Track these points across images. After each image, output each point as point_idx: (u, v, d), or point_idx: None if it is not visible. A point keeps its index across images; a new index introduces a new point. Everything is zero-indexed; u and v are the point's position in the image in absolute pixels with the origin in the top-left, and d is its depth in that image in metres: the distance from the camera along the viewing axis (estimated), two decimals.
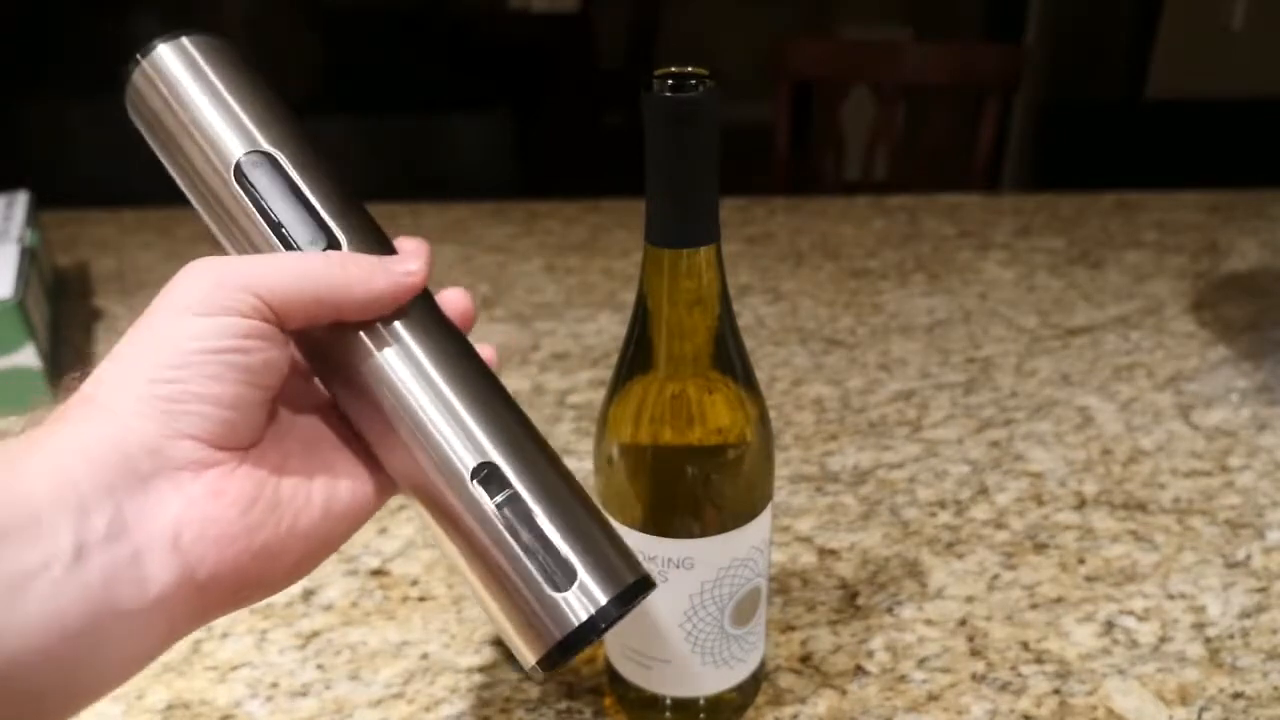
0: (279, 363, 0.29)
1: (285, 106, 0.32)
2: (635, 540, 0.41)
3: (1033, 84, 2.31)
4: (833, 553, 0.58)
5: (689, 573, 0.41)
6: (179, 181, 0.32)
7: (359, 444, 0.32)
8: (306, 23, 2.43)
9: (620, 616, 0.29)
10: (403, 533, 0.59)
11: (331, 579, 0.56)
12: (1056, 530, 0.60)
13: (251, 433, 0.28)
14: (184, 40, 0.31)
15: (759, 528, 0.42)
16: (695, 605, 0.41)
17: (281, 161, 0.30)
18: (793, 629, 0.52)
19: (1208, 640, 0.51)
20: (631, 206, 1.12)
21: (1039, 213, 1.09)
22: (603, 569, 0.29)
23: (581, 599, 0.29)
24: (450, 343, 0.31)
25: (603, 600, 0.29)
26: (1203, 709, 0.47)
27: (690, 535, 0.40)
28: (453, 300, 0.34)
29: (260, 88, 0.31)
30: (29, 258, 0.77)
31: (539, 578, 0.29)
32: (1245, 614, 0.53)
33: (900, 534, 0.59)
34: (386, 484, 0.32)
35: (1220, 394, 0.74)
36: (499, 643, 0.51)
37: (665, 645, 0.43)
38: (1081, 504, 0.62)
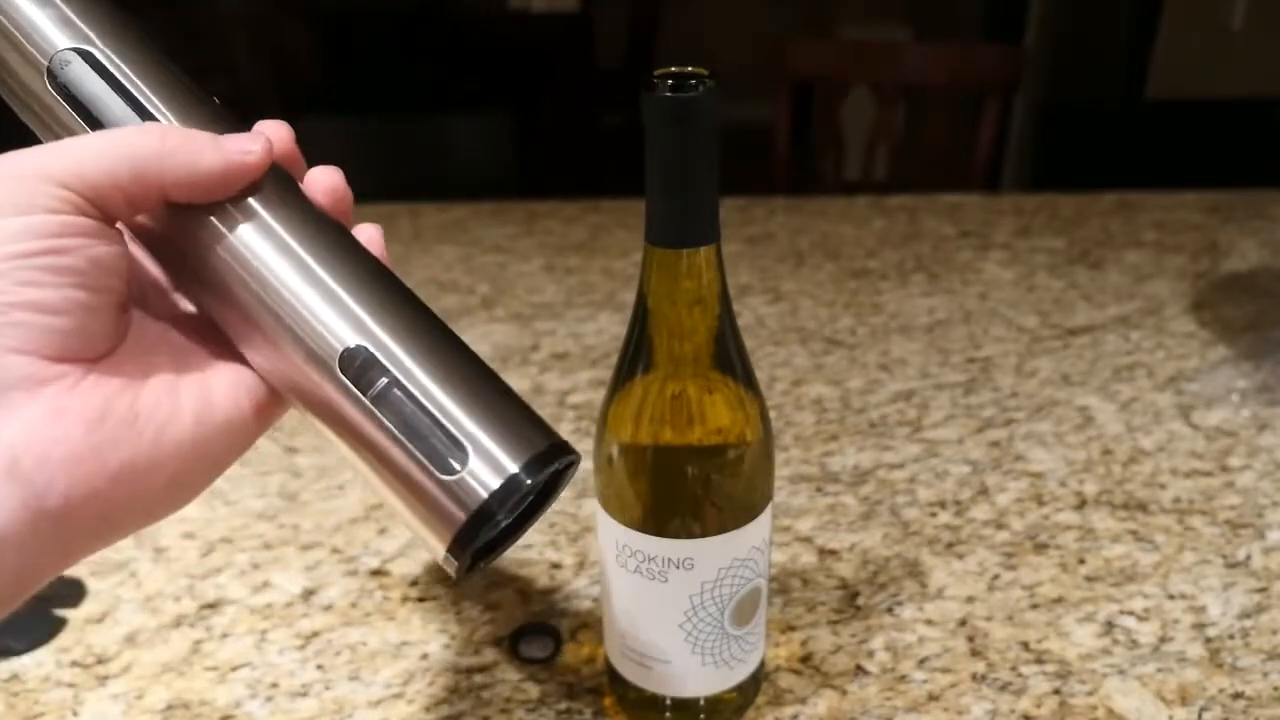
0: (110, 259, 0.26)
1: (118, 6, 0.29)
2: (635, 540, 0.41)
3: (1033, 84, 2.32)
4: (833, 553, 0.58)
5: (689, 573, 0.41)
6: (3, 93, 0.29)
7: (235, 352, 0.29)
8: (306, 23, 2.44)
9: (535, 491, 0.27)
10: (403, 533, 0.59)
11: (331, 579, 0.56)
12: (1057, 530, 0.60)
13: (95, 341, 0.26)
14: None
15: (759, 528, 0.42)
16: (695, 605, 0.41)
17: (101, 56, 0.28)
18: (793, 629, 0.52)
19: (1208, 640, 0.51)
20: (631, 206, 1.12)
21: (1039, 213, 1.09)
22: (508, 439, 0.27)
23: (485, 471, 0.26)
24: (310, 221, 0.28)
25: (511, 469, 0.26)
26: (1203, 709, 0.47)
27: (690, 535, 0.40)
28: (320, 179, 0.30)
29: None
30: None
31: (429, 462, 0.26)
32: (1245, 614, 0.53)
33: (900, 534, 0.59)
34: (267, 396, 0.29)
35: (1220, 394, 0.74)
36: (499, 643, 0.51)
37: (665, 645, 0.43)
38: (1082, 504, 0.62)
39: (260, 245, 0.27)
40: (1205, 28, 2.14)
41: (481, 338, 0.81)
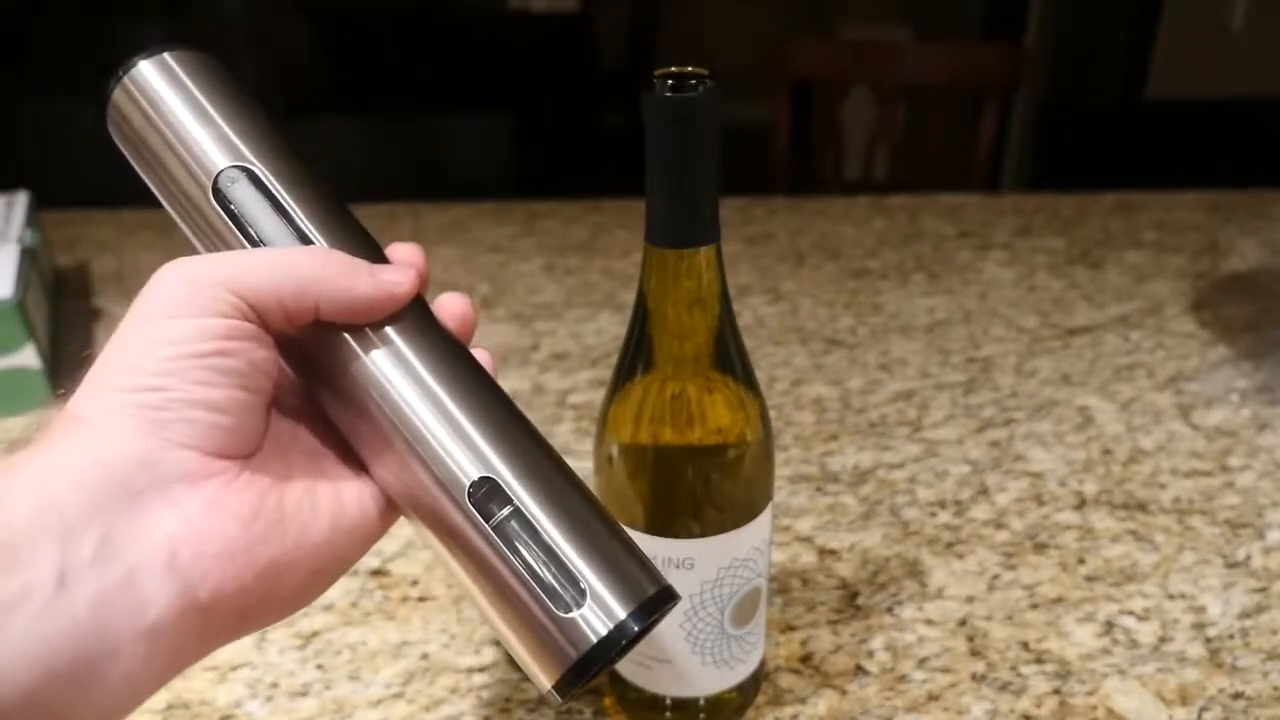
0: (266, 363, 0.27)
1: (268, 120, 0.31)
2: (635, 540, 0.41)
3: (1033, 84, 2.31)
4: (833, 553, 0.58)
5: (689, 573, 0.41)
6: (161, 198, 0.31)
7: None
8: (306, 23, 2.43)
9: (643, 633, 0.28)
10: (403, 533, 0.59)
11: None
12: (1056, 530, 0.60)
13: (249, 439, 0.27)
14: (166, 56, 0.30)
15: (759, 528, 0.42)
16: (695, 605, 0.41)
17: (263, 174, 0.30)
18: (793, 629, 0.52)
19: (1208, 640, 0.51)
20: (631, 206, 1.12)
21: (1039, 213, 1.09)
22: (619, 583, 0.27)
23: (598, 615, 0.27)
24: (444, 350, 0.30)
25: (621, 615, 0.27)
26: (1203, 709, 0.47)
27: (690, 535, 0.40)
28: (450, 305, 0.32)
29: (243, 102, 0.31)
30: (29, 258, 0.77)
31: (546, 597, 0.27)
32: (1245, 614, 0.53)
33: (900, 534, 0.59)
34: (391, 503, 0.30)
35: (1220, 394, 0.74)
36: (499, 642, 0.51)
37: (665, 645, 0.43)
38: (1081, 504, 0.62)
39: (395, 372, 0.28)
40: (1205, 28, 2.14)
41: (482, 338, 0.81)
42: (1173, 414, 0.71)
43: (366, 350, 0.29)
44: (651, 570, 0.29)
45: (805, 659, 0.51)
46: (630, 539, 0.29)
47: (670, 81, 0.33)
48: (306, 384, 0.30)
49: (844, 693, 0.49)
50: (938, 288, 0.92)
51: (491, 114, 2.48)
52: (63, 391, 0.26)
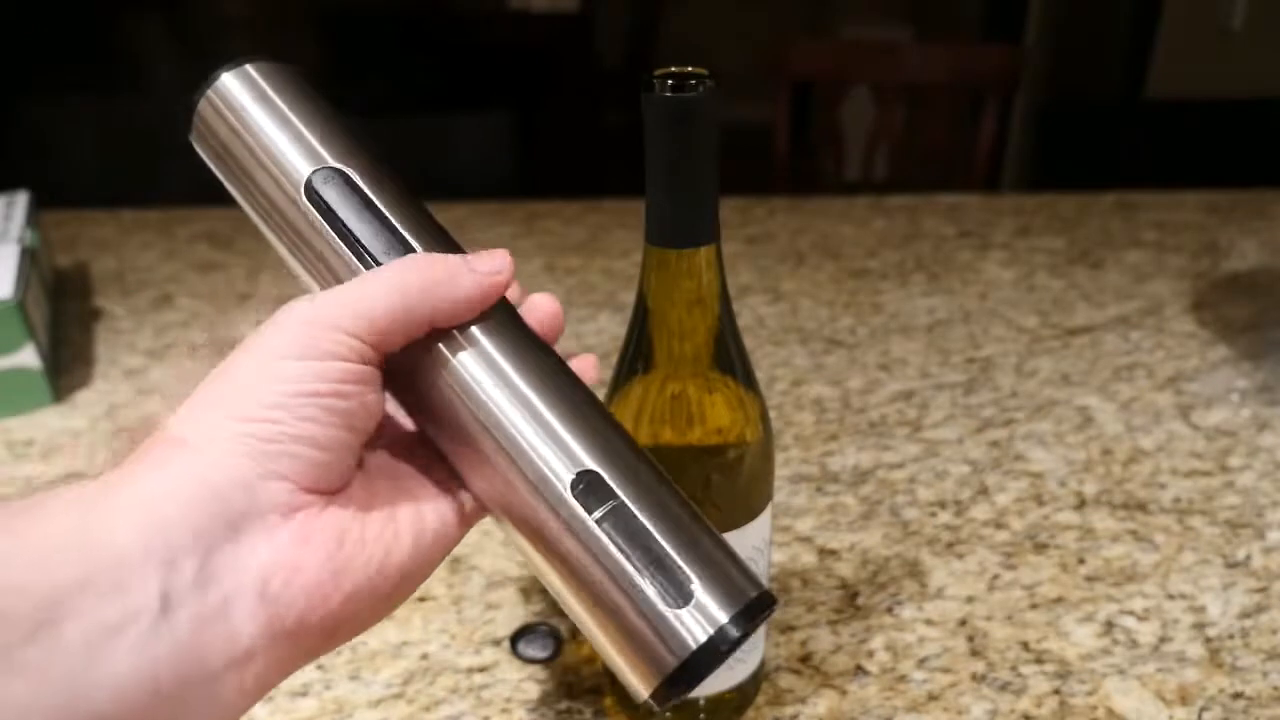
0: (375, 406, 0.28)
1: (351, 124, 0.31)
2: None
3: (1033, 84, 2.31)
4: (833, 553, 0.58)
5: None
6: (248, 209, 0.31)
7: (441, 469, 0.30)
8: (306, 23, 2.43)
9: (742, 639, 0.26)
10: None
11: None
12: (1056, 530, 0.60)
13: (341, 477, 0.27)
14: (248, 68, 0.31)
15: (759, 528, 0.42)
16: None
17: (352, 176, 0.30)
18: (793, 629, 0.52)
19: (1208, 640, 0.51)
20: (631, 206, 1.12)
21: (1039, 213, 1.09)
22: (721, 585, 0.27)
23: (698, 618, 0.26)
24: (536, 351, 0.30)
25: (722, 619, 0.26)
26: (1203, 709, 0.47)
27: None
28: (539, 305, 0.32)
29: (325, 108, 0.31)
30: (29, 258, 0.77)
31: (651, 595, 0.26)
32: (1245, 614, 0.53)
33: (900, 534, 0.59)
34: (470, 508, 0.30)
35: (1220, 394, 0.74)
36: (499, 643, 0.51)
37: None
38: (1081, 504, 0.62)
39: (489, 374, 0.29)
40: (1205, 28, 2.14)
41: None
42: (1173, 414, 0.71)
43: (461, 355, 0.29)
44: (750, 573, 0.28)
45: (805, 659, 0.51)
46: (727, 542, 0.28)
47: (670, 81, 0.33)
48: (398, 396, 0.31)
49: (844, 693, 0.49)
50: (938, 288, 0.92)
51: (491, 114, 2.48)
52: (122, 431, 0.26)
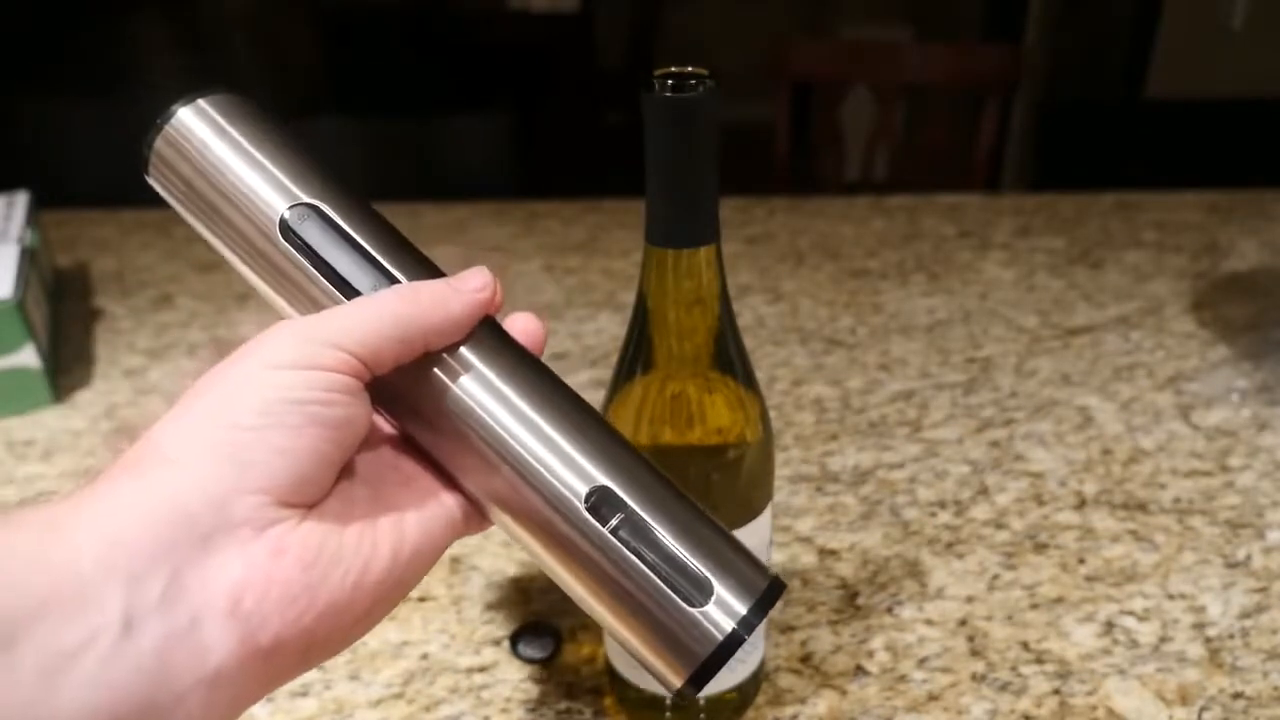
0: (359, 421, 0.27)
1: (314, 156, 0.31)
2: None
3: (1033, 84, 2.31)
4: (833, 553, 0.58)
5: None
6: (218, 246, 0.31)
7: (425, 478, 0.30)
8: (306, 23, 2.43)
9: (757, 625, 0.28)
10: None
11: None
12: (1056, 530, 0.60)
13: (320, 491, 0.27)
14: (202, 102, 0.30)
15: (759, 528, 0.42)
16: None
17: (326, 211, 0.30)
18: (793, 629, 0.52)
19: (1208, 640, 0.51)
20: (631, 206, 1.12)
21: (1039, 213, 1.09)
22: (736, 578, 0.28)
23: (721, 611, 0.28)
24: (530, 367, 0.30)
25: (742, 610, 0.28)
26: (1203, 709, 0.47)
27: None
28: (521, 324, 0.32)
29: (287, 141, 0.31)
30: (29, 258, 0.77)
31: (675, 596, 0.28)
32: (1245, 614, 0.53)
33: (900, 534, 0.59)
34: (463, 520, 0.30)
35: (1220, 394, 0.74)
36: (499, 643, 0.51)
37: None
38: (1081, 504, 0.62)
39: (490, 396, 0.29)
40: (1205, 28, 2.14)
41: None
42: (1173, 414, 0.71)
43: (458, 378, 0.29)
44: (759, 564, 0.29)
45: (805, 659, 0.51)
46: (732, 534, 0.30)
47: (670, 81, 0.33)
48: (396, 418, 0.31)
49: (844, 693, 0.49)
50: (938, 288, 0.92)
51: (491, 114, 2.48)
52: (115, 432, 0.26)
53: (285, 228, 0.29)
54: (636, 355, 0.39)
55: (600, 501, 0.28)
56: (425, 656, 0.51)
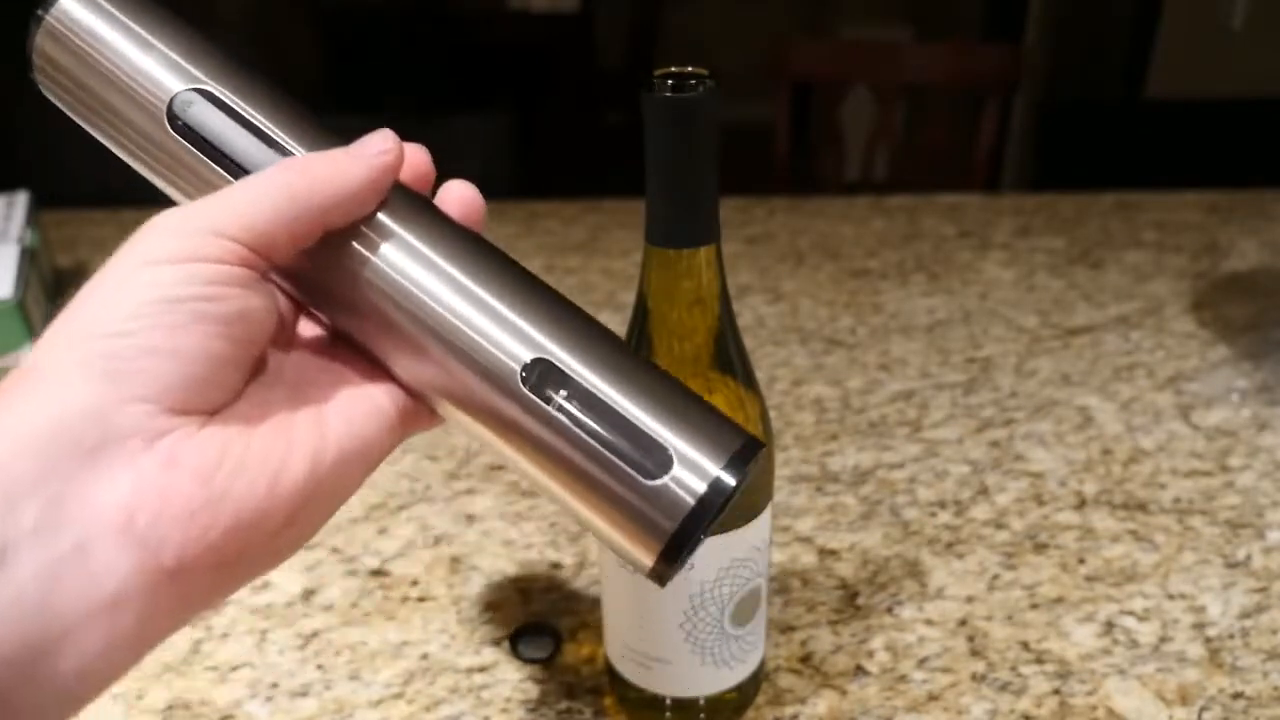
0: (257, 315, 0.25)
1: (209, 39, 0.29)
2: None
3: (1033, 84, 2.31)
4: (833, 553, 0.58)
5: (689, 573, 0.41)
6: (112, 144, 0.29)
7: (355, 375, 0.28)
8: (306, 23, 2.43)
9: (737, 489, 0.26)
10: (403, 533, 0.59)
11: (331, 579, 0.56)
12: (1056, 530, 0.60)
13: (222, 393, 0.24)
14: None
15: (759, 528, 0.42)
16: (695, 605, 0.41)
17: (218, 92, 0.27)
18: (793, 629, 0.52)
19: (1208, 640, 0.51)
20: (631, 206, 1.12)
21: (1039, 213, 1.09)
22: (704, 440, 0.26)
23: (688, 477, 0.25)
24: (455, 233, 0.27)
25: (713, 472, 0.25)
26: (1203, 709, 0.47)
27: None
28: (457, 192, 0.29)
29: (178, 24, 0.28)
30: (29, 258, 0.77)
31: (630, 470, 0.25)
32: (1245, 614, 0.53)
33: (900, 534, 0.59)
34: (399, 413, 0.27)
35: (1220, 394, 0.74)
36: (499, 643, 0.51)
37: (665, 645, 0.43)
38: (1081, 504, 0.62)
39: (413, 267, 0.26)
40: (1205, 28, 2.14)
41: None
42: (1173, 414, 0.71)
43: (377, 251, 0.26)
44: (732, 422, 0.27)
45: (805, 659, 0.51)
46: (699, 395, 0.27)
47: (670, 81, 0.33)
48: (316, 306, 0.28)
49: (844, 693, 0.49)
50: (938, 288, 0.92)
51: (491, 114, 2.48)
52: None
53: (174, 114, 0.27)
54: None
55: (543, 373, 0.26)
56: (425, 656, 0.51)
